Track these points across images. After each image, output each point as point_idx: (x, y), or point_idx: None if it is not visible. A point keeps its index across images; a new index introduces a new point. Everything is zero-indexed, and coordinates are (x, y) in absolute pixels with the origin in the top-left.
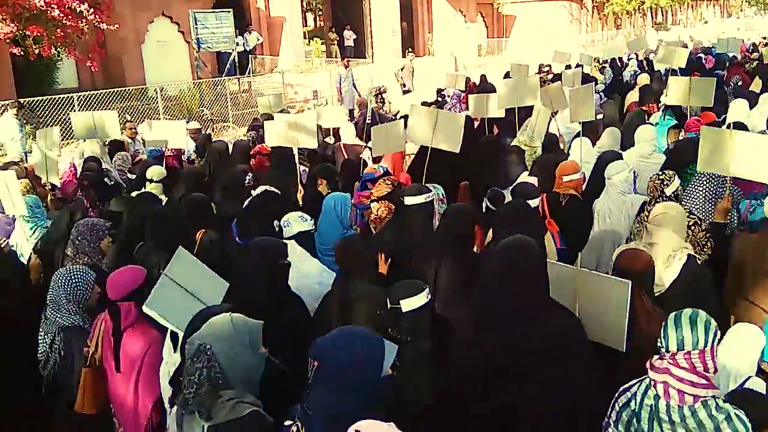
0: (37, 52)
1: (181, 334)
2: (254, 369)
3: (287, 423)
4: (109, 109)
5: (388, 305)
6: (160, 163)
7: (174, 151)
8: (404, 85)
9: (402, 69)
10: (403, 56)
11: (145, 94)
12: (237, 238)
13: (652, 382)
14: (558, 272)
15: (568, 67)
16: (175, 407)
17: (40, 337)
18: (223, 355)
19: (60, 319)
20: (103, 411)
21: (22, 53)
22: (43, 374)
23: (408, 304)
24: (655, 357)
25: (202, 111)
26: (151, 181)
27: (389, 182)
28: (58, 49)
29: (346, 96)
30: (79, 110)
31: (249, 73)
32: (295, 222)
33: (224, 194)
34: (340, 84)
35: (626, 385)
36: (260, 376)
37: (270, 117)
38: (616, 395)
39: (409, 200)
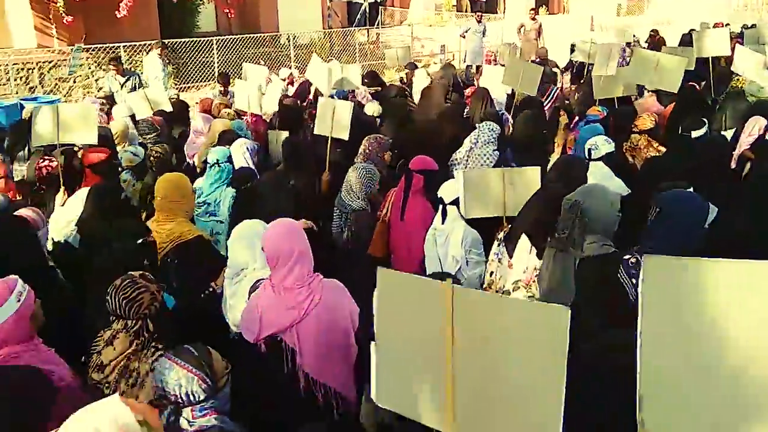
0: None
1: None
2: (612, 224)
3: (626, 257)
4: (244, 53)
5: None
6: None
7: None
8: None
9: (521, 27)
10: (537, 13)
11: (278, 41)
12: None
13: None
14: None
15: (746, 27)
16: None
17: (335, 217)
18: (591, 209)
19: (352, 203)
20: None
21: None
22: (337, 241)
23: None
24: None
25: (330, 60)
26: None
27: (653, 118)
28: None
29: (472, 51)
30: (217, 53)
31: (378, 25)
32: (602, 144)
33: None
34: (464, 33)
35: None
36: (614, 228)
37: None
38: None
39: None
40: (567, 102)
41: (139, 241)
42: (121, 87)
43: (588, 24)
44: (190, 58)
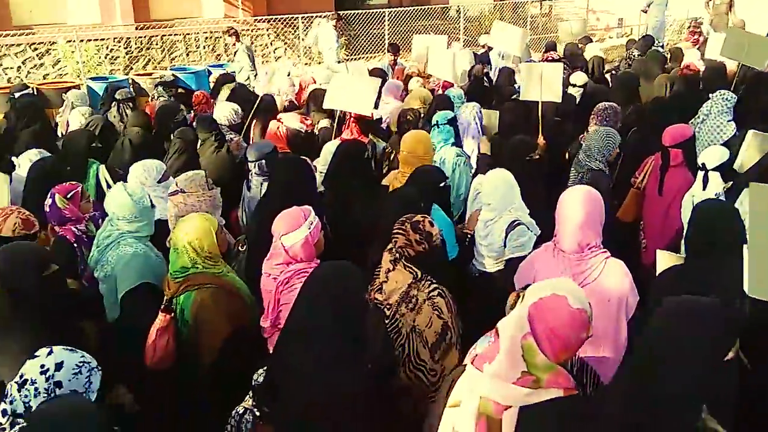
0: None
1: None
2: None
3: None
4: (413, 25)
5: None
6: None
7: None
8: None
9: (710, 1)
10: None
11: (447, 14)
12: None
13: None
14: None
15: None
16: None
17: (571, 176)
18: None
19: (590, 163)
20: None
21: None
22: None
23: None
24: None
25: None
26: (574, 85)
27: None
28: None
29: (654, 26)
30: (388, 25)
31: None
32: None
33: None
34: (647, 7)
35: None
36: None
37: None
38: None
39: None
40: None
41: (441, 184)
42: (234, 55)
43: None
44: (362, 30)
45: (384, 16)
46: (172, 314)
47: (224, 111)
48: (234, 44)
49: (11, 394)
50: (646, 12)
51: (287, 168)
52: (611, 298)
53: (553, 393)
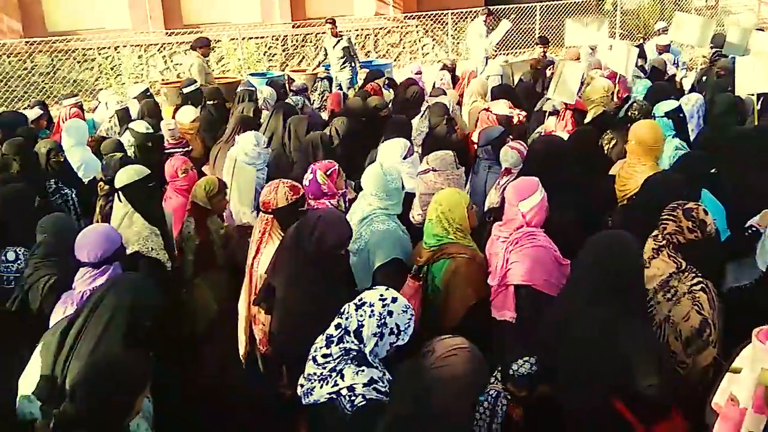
0: None
1: None
2: None
3: None
4: (565, 19)
5: None
6: None
7: None
8: None
9: None
10: None
11: (602, 6)
12: None
13: None
14: None
15: None
16: None
17: None
18: None
19: None
20: None
21: None
22: None
23: None
24: None
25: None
26: None
27: None
28: None
29: None
30: (539, 20)
31: None
32: None
33: None
34: None
35: None
36: None
37: None
38: None
39: None
40: None
41: (712, 170)
42: (333, 48)
43: None
44: (513, 25)
45: (535, 10)
46: (421, 282)
47: (447, 103)
48: (332, 30)
49: (348, 312)
50: None
51: (544, 145)
52: None
53: None
